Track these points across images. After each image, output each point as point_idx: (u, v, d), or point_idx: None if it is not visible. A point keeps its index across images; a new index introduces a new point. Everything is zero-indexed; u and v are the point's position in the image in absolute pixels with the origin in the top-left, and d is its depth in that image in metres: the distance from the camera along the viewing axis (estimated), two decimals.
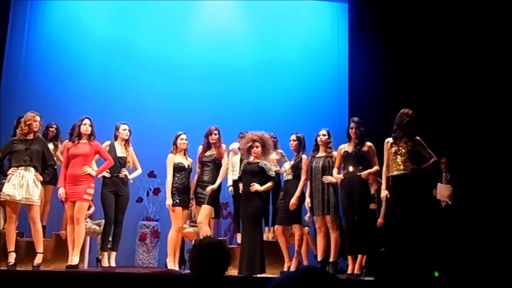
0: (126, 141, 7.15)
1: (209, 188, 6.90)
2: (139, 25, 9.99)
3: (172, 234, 6.86)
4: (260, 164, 6.67)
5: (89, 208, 7.04)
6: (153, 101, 9.47)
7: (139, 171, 7.30)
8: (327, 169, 6.72)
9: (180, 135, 7.12)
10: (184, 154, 7.12)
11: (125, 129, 7.14)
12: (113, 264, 6.93)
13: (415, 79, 8.65)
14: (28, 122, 6.52)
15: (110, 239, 6.99)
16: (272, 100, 9.73)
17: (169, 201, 6.89)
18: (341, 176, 6.60)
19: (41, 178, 6.50)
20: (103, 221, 7.08)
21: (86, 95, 9.35)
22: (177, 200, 6.87)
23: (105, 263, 6.88)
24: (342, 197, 6.60)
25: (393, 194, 6.30)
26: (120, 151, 7.06)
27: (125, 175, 7.04)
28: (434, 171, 7.05)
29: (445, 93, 8.51)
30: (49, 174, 6.77)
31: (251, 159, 6.76)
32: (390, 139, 6.37)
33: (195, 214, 7.29)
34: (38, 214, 6.50)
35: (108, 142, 7.10)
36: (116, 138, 7.14)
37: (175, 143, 7.07)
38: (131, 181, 7.24)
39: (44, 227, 7.02)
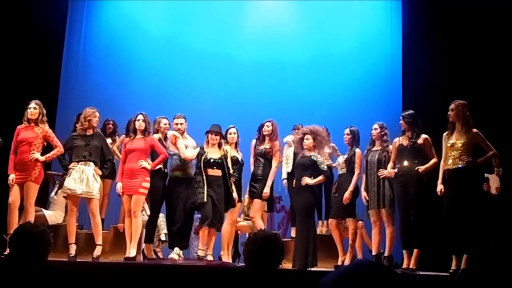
0: (165, 136, 7.28)
1: (263, 193, 6.93)
2: (193, 23, 10.12)
3: (226, 227, 6.90)
4: (312, 158, 6.65)
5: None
6: (207, 98, 9.57)
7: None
8: (382, 163, 6.65)
9: (229, 128, 7.15)
10: (235, 148, 7.17)
11: (166, 123, 7.27)
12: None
13: (470, 70, 8.41)
14: (88, 118, 6.71)
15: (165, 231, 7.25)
16: (326, 94, 9.68)
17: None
18: (395, 170, 6.51)
19: (100, 172, 6.70)
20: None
21: (142, 92, 9.54)
22: None
23: (151, 255, 7.07)
24: (397, 191, 6.50)
25: (448, 188, 6.19)
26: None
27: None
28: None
29: (501, 85, 8.24)
30: (107, 169, 6.95)
31: (305, 153, 6.75)
32: (447, 132, 6.27)
33: (249, 207, 7.35)
34: (98, 207, 6.68)
35: (156, 136, 7.15)
36: (156, 132, 7.25)
37: (225, 137, 7.12)
38: None
39: (102, 220, 7.19)
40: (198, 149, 6.97)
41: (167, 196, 7.19)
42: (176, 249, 7.03)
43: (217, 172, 6.78)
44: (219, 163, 6.81)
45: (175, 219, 7.11)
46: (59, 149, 6.68)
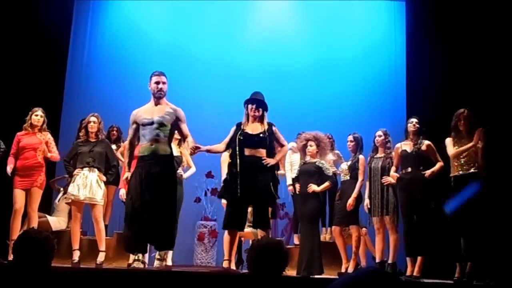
0: (179, 141, 7.23)
1: None
2: (197, 29, 10.14)
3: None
4: (317, 164, 6.62)
5: None
6: (211, 104, 9.56)
7: (193, 169, 7.30)
8: (386, 170, 6.64)
9: None
10: None
11: None
12: (169, 263, 7.01)
13: (475, 77, 8.40)
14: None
15: None
16: (329, 100, 9.68)
17: None
18: (397, 174, 6.49)
19: (104, 178, 6.73)
20: None
21: (146, 98, 9.52)
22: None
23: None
24: (400, 198, 6.48)
25: (453, 195, 6.19)
26: (175, 151, 7.13)
27: (181, 175, 7.13)
28: None
29: (507, 89, 8.22)
30: (112, 175, 6.98)
31: (308, 159, 6.73)
32: (454, 140, 6.28)
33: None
34: (101, 214, 6.70)
35: None
36: None
37: None
38: (185, 180, 7.29)
39: (106, 226, 7.19)
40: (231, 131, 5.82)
41: (131, 182, 5.76)
42: (139, 256, 5.88)
43: (260, 153, 5.73)
44: (261, 140, 5.69)
45: (137, 216, 5.64)
46: (54, 155, 6.86)
